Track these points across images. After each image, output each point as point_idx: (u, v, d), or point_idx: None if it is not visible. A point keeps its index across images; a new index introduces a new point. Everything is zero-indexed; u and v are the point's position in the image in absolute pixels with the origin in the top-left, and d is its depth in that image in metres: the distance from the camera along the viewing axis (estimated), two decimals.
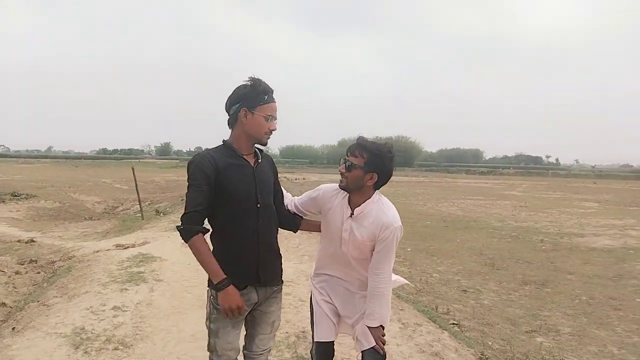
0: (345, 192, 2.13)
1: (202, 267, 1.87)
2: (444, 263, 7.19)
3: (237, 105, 1.97)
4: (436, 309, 4.74)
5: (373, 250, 2.10)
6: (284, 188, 2.35)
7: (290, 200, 2.34)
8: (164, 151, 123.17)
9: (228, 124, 2.04)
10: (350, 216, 2.10)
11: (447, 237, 9.55)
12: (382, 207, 2.08)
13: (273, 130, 2.02)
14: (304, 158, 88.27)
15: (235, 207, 1.96)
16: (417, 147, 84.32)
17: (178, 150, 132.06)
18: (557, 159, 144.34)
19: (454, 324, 4.33)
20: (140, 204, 11.91)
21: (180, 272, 5.52)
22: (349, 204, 2.12)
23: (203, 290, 5.05)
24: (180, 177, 30.74)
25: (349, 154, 2.07)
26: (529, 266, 7.13)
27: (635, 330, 4.40)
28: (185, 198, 1.94)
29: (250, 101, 1.95)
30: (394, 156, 2.05)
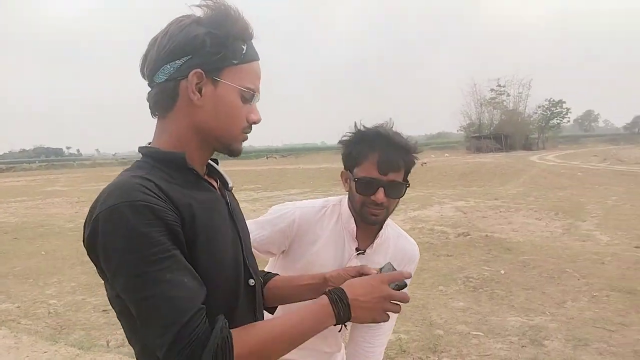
0: (339, 216, 1.25)
1: (308, 333, 0.78)
2: (50, 285, 5.23)
3: (182, 62, 0.74)
4: None
5: None
6: None
7: None
8: None
9: (152, 108, 0.82)
10: (359, 253, 1.25)
11: (27, 250, 7.25)
12: (397, 230, 1.33)
13: (256, 122, 0.85)
14: None
15: (219, 298, 0.77)
16: None
17: None
18: (78, 150, 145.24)
19: None
20: None
21: None
22: (354, 234, 1.24)
23: None
24: None
25: (388, 171, 1.12)
26: None
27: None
28: (145, 302, 0.68)
29: (212, 56, 0.75)
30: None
